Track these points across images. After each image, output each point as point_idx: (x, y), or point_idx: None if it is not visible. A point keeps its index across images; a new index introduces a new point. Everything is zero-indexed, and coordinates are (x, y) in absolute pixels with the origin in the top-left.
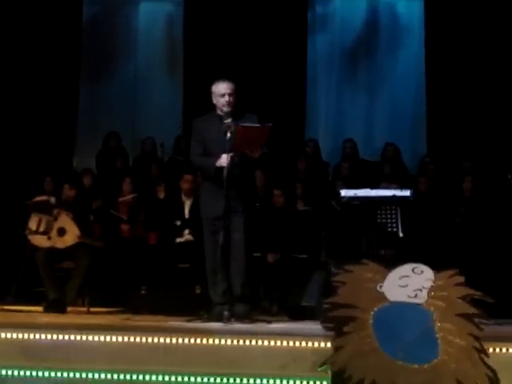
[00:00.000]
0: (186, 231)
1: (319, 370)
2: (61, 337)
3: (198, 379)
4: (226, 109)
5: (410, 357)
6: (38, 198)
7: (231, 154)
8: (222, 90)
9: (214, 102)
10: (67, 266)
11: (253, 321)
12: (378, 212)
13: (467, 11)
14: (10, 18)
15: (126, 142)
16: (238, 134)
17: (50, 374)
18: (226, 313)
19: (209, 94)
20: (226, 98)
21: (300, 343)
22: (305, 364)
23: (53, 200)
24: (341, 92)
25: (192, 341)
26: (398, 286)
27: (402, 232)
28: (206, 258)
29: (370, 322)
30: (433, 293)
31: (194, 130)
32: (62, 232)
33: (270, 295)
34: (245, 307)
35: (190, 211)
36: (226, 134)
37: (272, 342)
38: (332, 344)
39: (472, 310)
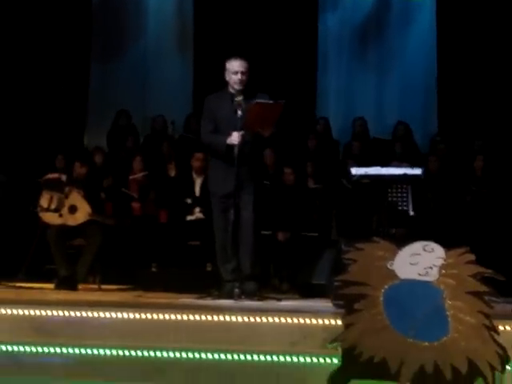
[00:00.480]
0: (197, 209)
1: (330, 347)
2: (72, 313)
3: (209, 355)
4: (237, 86)
5: (421, 334)
6: (50, 176)
7: (242, 133)
8: (235, 68)
9: (227, 78)
10: (78, 244)
11: (263, 298)
12: (389, 190)
13: None
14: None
15: (137, 120)
16: (251, 111)
17: (61, 350)
18: (236, 290)
19: (219, 71)
20: (239, 75)
21: (310, 320)
22: (315, 341)
23: (64, 178)
24: (351, 70)
25: (203, 317)
26: (408, 264)
27: (413, 210)
28: (215, 235)
29: (381, 299)
30: (443, 271)
31: (206, 108)
32: (73, 209)
33: (280, 273)
34: (254, 285)
35: (201, 189)
36: (236, 112)
37: (282, 319)
38: (342, 321)
39: (482, 288)
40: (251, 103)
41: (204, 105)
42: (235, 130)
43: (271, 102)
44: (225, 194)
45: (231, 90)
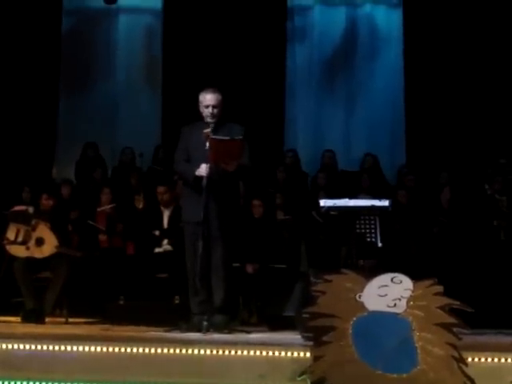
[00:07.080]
0: (165, 241)
1: (298, 379)
2: (39, 347)
3: None
4: (209, 119)
5: (389, 366)
6: (17, 208)
7: (209, 165)
8: (207, 101)
9: (201, 111)
10: (45, 276)
11: (232, 331)
12: (357, 222)
13: (445, 22)
14: None
15: (106, 152)
16: (210, 146)
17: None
18: (204, 323)
19: (187, 104)
20: (210, 109)
21: (279, 353)
22: (284, 373)
23: (31, 210)
24: (319, 102)
25: (171, 351)
26: (377, 296)
27: (381, 242)
28: (187, 264)
29: (350, 331)
30: (411, 302)
31: (181, 137)
32: (40, 242)
33: (249, 306)
34: (224, 318)
35: (169, 221)
36: (205, 144)
37: (251, 352)
38: (311, 353)
39: (450, 320)
40: (210, 138)
41: (180, 134)
42: (205, 161)
43: (227, 138)
44: (195, 222)
45: (206, 120)
